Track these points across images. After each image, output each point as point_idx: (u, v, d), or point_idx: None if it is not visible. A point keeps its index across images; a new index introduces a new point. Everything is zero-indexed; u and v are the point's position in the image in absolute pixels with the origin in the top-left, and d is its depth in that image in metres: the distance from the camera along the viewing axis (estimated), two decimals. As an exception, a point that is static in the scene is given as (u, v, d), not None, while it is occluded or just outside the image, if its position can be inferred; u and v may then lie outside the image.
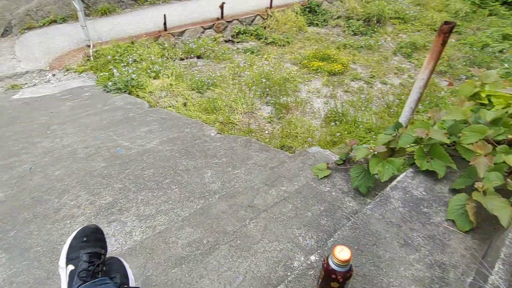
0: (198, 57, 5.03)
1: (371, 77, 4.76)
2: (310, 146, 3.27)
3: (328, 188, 1.81)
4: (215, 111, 3.82)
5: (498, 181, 1.35)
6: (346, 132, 3.64)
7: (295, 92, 4.36)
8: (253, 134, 3.55)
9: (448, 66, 5.02)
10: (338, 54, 5.22)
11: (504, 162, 1.39)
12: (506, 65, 4.43)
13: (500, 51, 5.23)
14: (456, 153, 1.67)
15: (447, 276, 1.20)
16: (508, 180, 1.32)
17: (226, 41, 5.46)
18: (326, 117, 3.93)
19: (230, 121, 3.69)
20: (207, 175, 2.36)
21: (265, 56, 5.13)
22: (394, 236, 1.34)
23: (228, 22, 5.57)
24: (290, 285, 1.15)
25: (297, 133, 3.64)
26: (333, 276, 1.00)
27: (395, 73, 4.93)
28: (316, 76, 4.74)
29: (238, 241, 1.55)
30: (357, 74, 4.78)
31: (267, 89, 4.26)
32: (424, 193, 1.55)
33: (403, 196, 1.52)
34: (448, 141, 1.60)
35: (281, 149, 3.24)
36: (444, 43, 1.55)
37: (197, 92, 4.19)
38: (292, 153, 2.84)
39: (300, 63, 4.99)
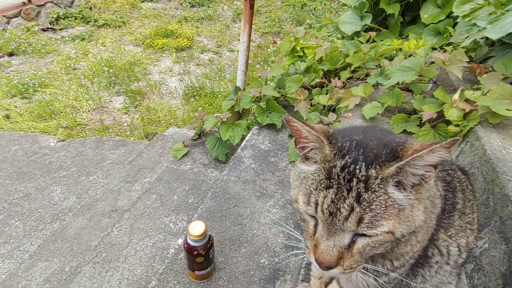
0: (10, 54, 3.98)
1: (218, 47, 4.84)
2: (178, 128, 3.17)
3: (189, 166, 1.79)
4: (53, 115, 3.19)
5: (317, 119, 1.60)
6: (207, 105, 3.66)
7: (146, 76, 4.05)
8: (110, 131, 3.17)
9: (280, 26, 5.59)
10: (181, 28, 5.06)
11: (318, 102, 1.65)
12: (308, 20, 5.24)
13: (314, 9, 6.14)
14: (288, 103, 1.90)
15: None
16: (322, 116, 1.58)
17: (44, 30, 4.47)
18: (185, 94, 3.84)
19: (78, 122, 3.17)
20: (56, 193, 1.98)
21: (101, 41, 4.49)
22: (251, 191, 1.45)
23: (40, 6, 4.54)
24: (162, 277, 1.11)
25: (159, 117, 3.45)
26: (195, 252, 1.00)
27: (238, 40, 5.17)
28: (164, 55, 4.50)
29: (104, 254, 1.38)
30: (204, 46, 4.78)
31: (113, 78, 3.80)
32: (269, 145, 1.71)
33: (253, 153, 1.65)
34: (278, 95, 1.79)
35: (146, 138, 3.02)
36: (252, 7, 1.66)
37: (21, 98, 3.38)
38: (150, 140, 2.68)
39: (143, 44, 4.61)
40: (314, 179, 0.55)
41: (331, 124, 1.47)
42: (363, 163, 0.51)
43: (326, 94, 1.68)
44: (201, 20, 5.57)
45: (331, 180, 0.52)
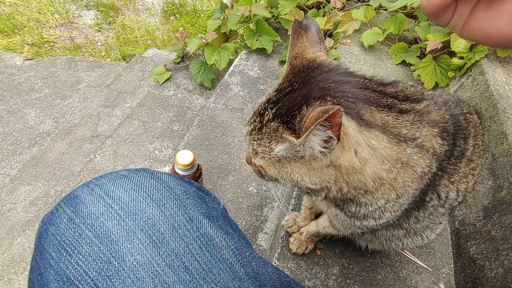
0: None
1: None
2: (158, 49, 2.84)
3: (173, 92, 1.61)
4: (17, 31, 2.73)
5: (311, 45, 1.41)
6: (189, 25, 3.26)
7: (119, -13, 3.45)
8: (83, 50, 2.79)
9: None
10: None
11: (314, 25, 1.43)
12: None
13: None
14: (280, 25, 1.65)
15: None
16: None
17: None
18: (163, 11, 3.36)
19: (45, 39, 2.75)
20: (31, 116, 1.78)
21: None
22: (239, 120, 1.34)
23: None
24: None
25: (136, 37, 3.05)
26: (183, 182, 0.92)
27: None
28: (139, -38, 3.78)
29: (89, 180, 1.29)
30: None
31: (80, -13, 3.21)
32: (259, 71, 1.53)
33: (241, 79, 1.48)
34: (269, 15, 1.53)
35: (124, 60, 2.71)
36: None
37: (-25, 8, 2.82)
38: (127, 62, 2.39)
39: None
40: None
41: (327, 51, 1.29)
42: (272, 110, 0.48)
43: (324, 16, 1.45)
44: None
45: (258, 106, 0.51)
